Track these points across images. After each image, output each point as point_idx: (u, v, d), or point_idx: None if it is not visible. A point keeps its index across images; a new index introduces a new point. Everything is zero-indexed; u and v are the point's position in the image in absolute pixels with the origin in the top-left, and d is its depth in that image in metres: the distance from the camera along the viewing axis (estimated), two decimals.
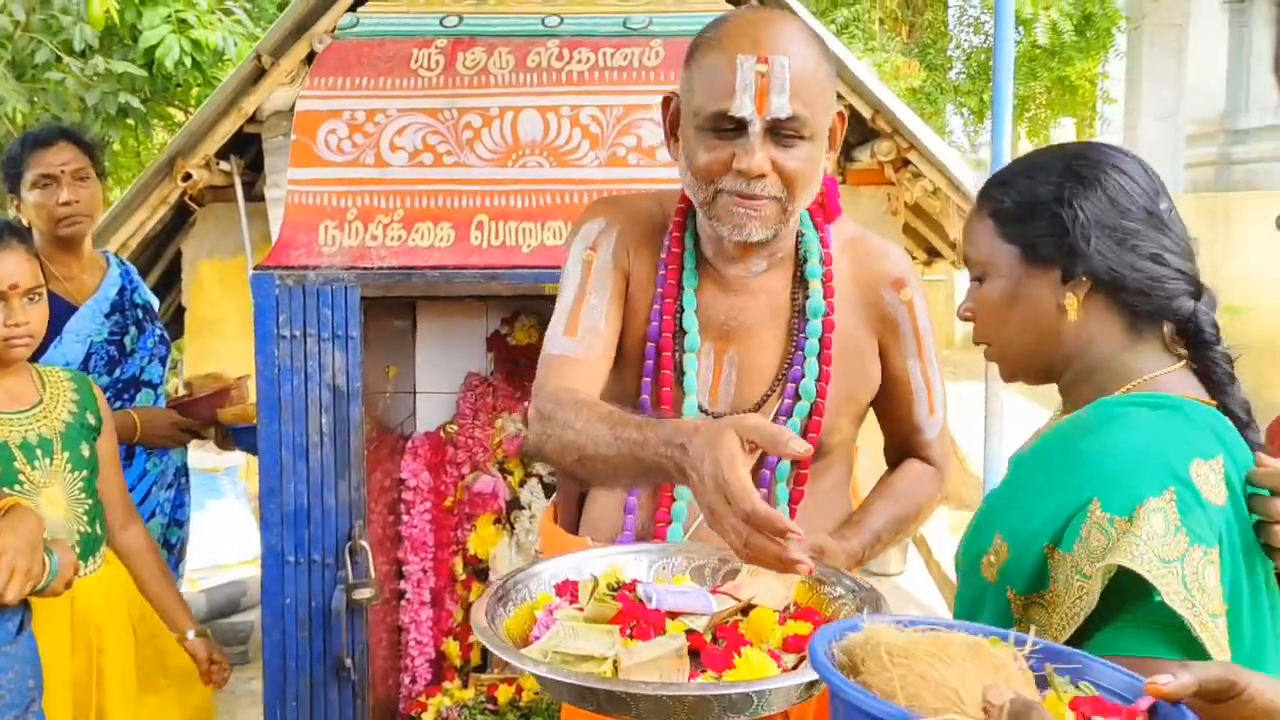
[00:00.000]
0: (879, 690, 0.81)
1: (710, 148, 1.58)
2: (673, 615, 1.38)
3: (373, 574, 2.59)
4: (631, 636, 1.33)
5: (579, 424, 1.52)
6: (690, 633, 1.35)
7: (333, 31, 2.86)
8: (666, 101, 1.68)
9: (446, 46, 2.70)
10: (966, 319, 1.45)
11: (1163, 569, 1.14)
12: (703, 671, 1.30)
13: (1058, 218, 1.32)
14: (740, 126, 1.56)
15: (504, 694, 2.87)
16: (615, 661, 1.29)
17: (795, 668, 1.27)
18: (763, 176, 1.56)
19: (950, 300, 12.18)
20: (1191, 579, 1.15)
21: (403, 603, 2.97)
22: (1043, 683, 0.90)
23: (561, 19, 2.76)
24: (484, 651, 3.03)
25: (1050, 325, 1.33)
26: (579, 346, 1.67)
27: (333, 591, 2.57)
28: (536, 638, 1.37)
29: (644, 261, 1.74)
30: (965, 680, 0.81)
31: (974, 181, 3.41)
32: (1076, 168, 1.35)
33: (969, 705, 0.78)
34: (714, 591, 1.45)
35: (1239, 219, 9.51)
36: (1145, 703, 0.84)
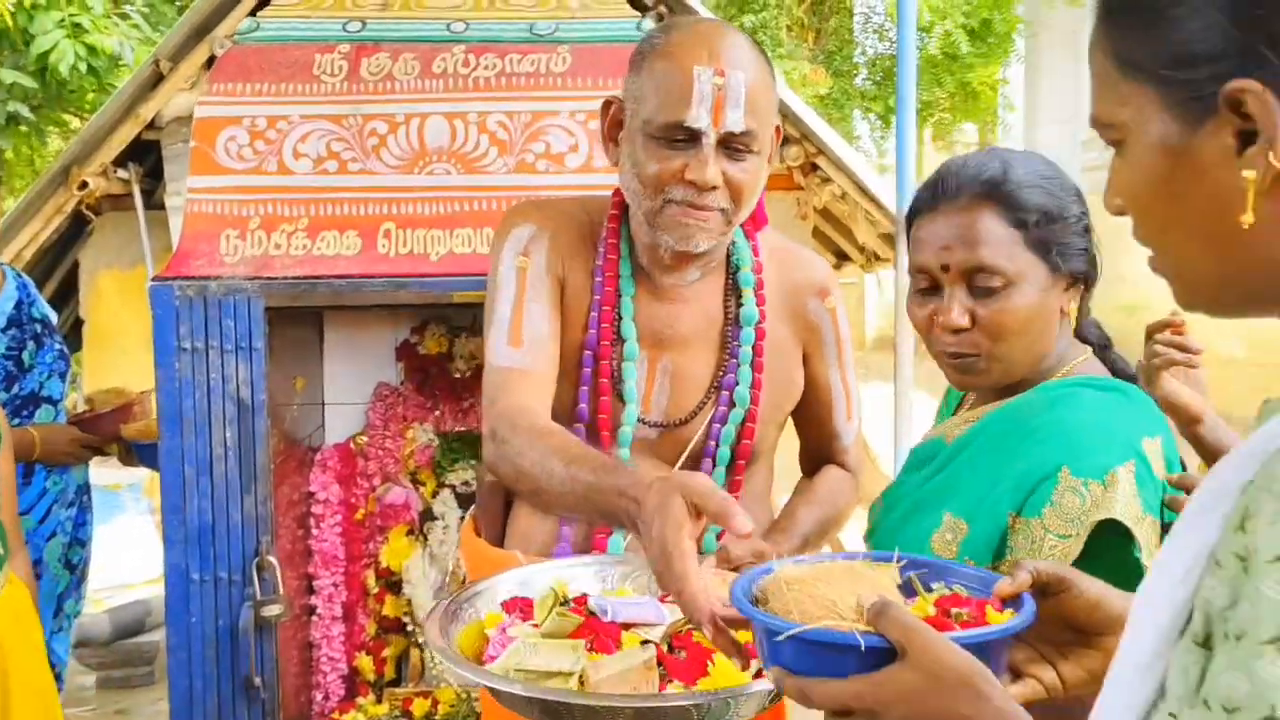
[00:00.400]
0: (779, 612, 0.99)
1: (661, 158, 1.58)
2: (626, 627, 1.37)
3: (281, 590, 2.54)
4: (593, 650, 1.32)
5: (533, 455, 1.51)
6: (646, 643, 1.34)
7: (233, 36, 2.80)
8: (606, 106, 1.67)
9: (350, 52, 2.66)
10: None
11: (1135, 527, 1.27)
12: (670, 682, 1.30)
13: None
14: (693, 137, 1.56)
15: (419, 708, 2.83)
16: (582, 676, 1.28)
17: (758, 674, 1.25)
18: (714, 189, 1.57)
19: (860, 303, 12.36)
20: (1143, 544, 1.28)
21: (313, 618, 2.91)
22: (913, 590, 1.08)
23: (467, 25, 2.74)
24: (398, 665, 2.99)
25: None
26: (526, 357, 1.64)
27: (240, 609, 2.52)
28: (492, 657, 1.34)
29: (578, 267, 1.72)
30: (843, 595, 0.98)
31: (881, 186, 3.46)
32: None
33: (845, 613, 0.96)
34: (662, 600, 1.44)
35: None
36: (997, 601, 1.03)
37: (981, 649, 0.91)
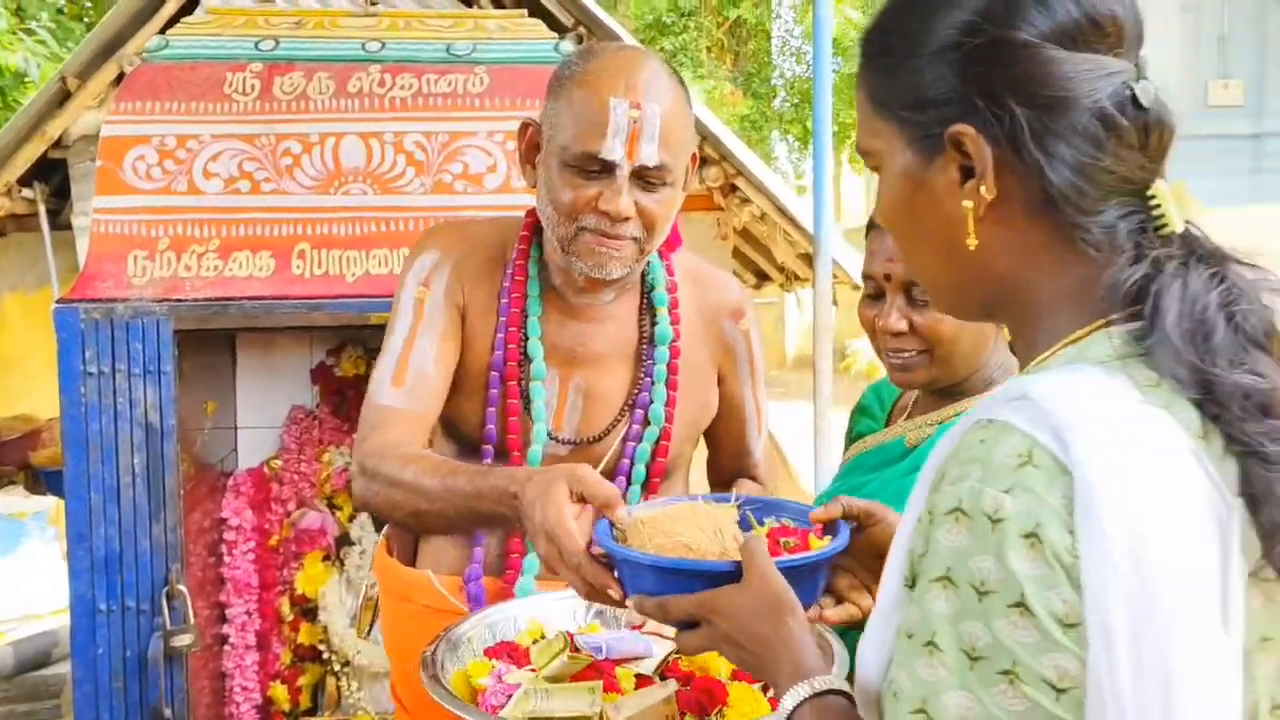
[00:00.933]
0: (637, 547, 1.17)
1: (576, 186, 1.59)
2: (619, 663, 1.37)
3: (192, 619, 2.48)
4: (609, 691, 1.32)
5: (406, 478, 1.53)
6: (640, 677, 1.35)
7: (142, 54, 2.74)
8: (524, 128, 1.68)
9: (262, 71, 2.62)
10: None
11: None
12: (684, 717, 1.30)
13: None
14: (608, 168, 1.58)
15: None
16: (602, 717, 1.27)
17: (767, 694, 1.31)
18: (627, 219, 1.59)
19: (780, 322, 12.47)
20: None
21: (226, 647, 2.85)
22: (749, 525, 1.26)
23: (383, 44, 2.72)
24: (314, 694, 2.94)
25: None
26: (406, 398, 1.65)
27: (149, 639, 2.45)
28: (494, 707, 1.31)
29: (482, 291, 1.73)
30: (690, 531, 1.17)
31: (799, 207, 3.49)
32: None
33: (690, 543, 1.15)
34: (635, 629, 1.46)
35: None
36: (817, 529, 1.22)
37: (800, 570, 1.10)
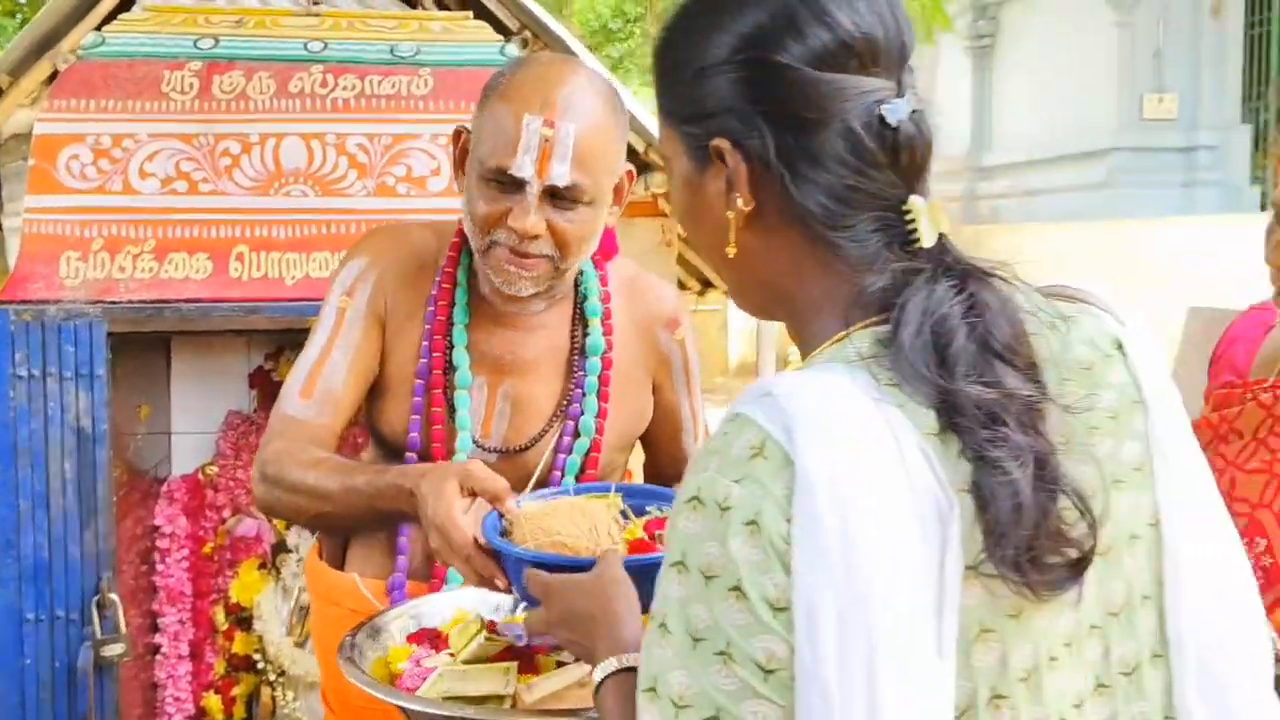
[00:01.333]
0: (518, 540, 1.28)
1: (489, 199, 1.59)
2: (541, 651, 1.38)
3: (124, 628, 2.43)
4: (524, 673, 1.34)
5: (308, 483, 1.57)
6: (562, 664, 1.36)
7: (78, 51, 2.68)
8: (457, 135, 1.68)
9: (201, 69, 2.58)
10: None
11: None
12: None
13: None
14: (518, 184, 1.56)
15: None
16: (515, 698, 1.29)
17: None
18: (536, 238, 1.57)
19: (723, 329, 12.52)
20: None
21: (158, 657, 2.79)
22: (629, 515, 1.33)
23: (325, 44, 2.68)
24: (249, 705, 2.89)
25: None
26: (311, 410, 1.67)
27: (79, 649, 2.40)
28: (410, 689, 1.34)
29: (408, 297, 1.72)
30: (566, 527, 1.27)
31: None
32: None
33: (566, 540, 1.25)
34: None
35: (985, 252, 10.13)
36: None
37: (652, 567, 1.10)
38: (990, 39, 14.21)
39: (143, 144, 2.51)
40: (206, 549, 2.87)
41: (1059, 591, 0.86)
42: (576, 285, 1.74)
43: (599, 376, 1.72)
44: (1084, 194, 12.00)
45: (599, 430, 1.72)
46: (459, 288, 1.71)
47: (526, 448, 1.71)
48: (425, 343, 1.69)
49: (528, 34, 3.02)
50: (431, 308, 1.70)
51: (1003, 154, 13.90)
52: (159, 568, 2.79)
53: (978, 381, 0.85)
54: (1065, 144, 12.48)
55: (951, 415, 0.84)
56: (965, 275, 0.90)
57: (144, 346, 2.75)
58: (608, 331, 1.74)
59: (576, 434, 1.71)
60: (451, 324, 1.69)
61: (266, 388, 2.95)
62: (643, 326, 1.78)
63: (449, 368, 1.69)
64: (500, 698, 1.30)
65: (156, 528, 2.80)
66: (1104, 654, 0.92)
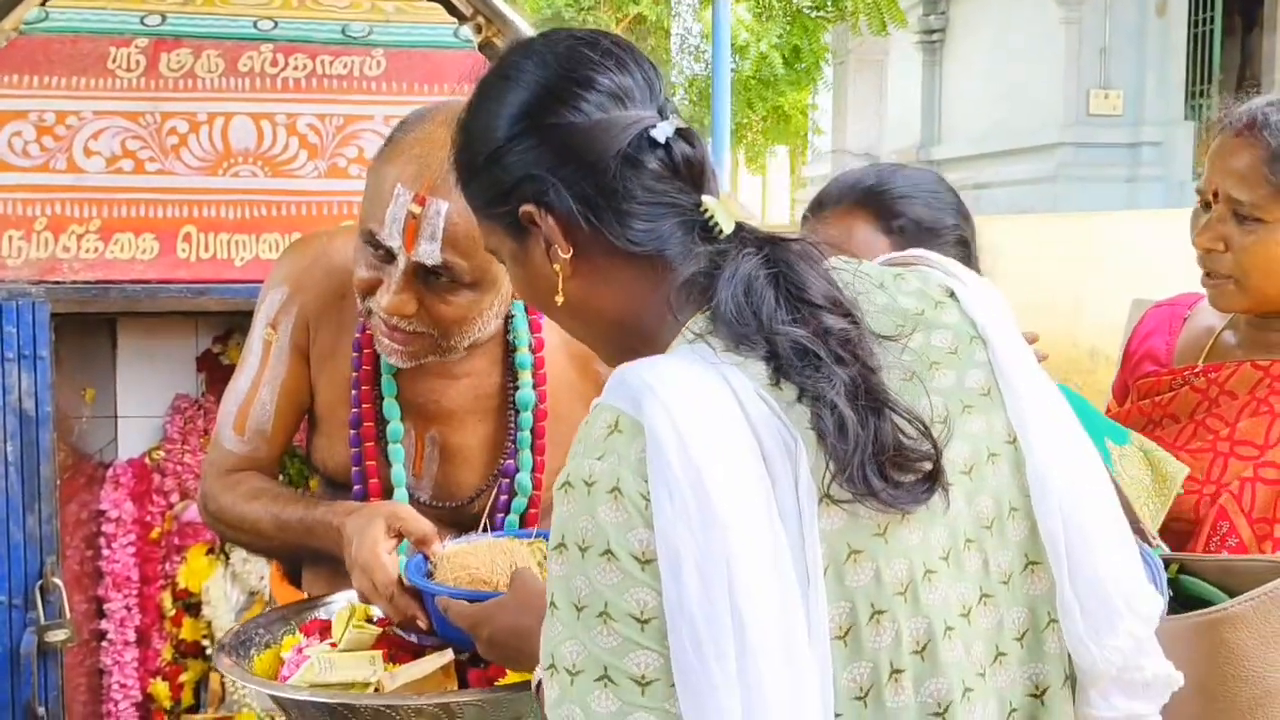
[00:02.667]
0: (440, 579, 1.34)
1: (366, 263, 1.52)
2: (428, 649, 1.39)
3: (68, 614, 2.39)
4: (394, 662, 1.36)
5: (247, 518, 1.62)
6: (444, 650, 1.37)
7: (19, 26, 2.63)
8: None
9: (148, 46, 2.54)
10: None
11: None
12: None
13: None
14: (389, 255, 1.49)
15: None
16: (378, 686, 1.30)
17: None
18: (408, 316, 1.50)
19: None
20: None
21: (104, 643, 2.75)
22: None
23: (275, 23, 2.64)
24: (196, 691, 2.85)
25: None
26: (246, 448, 1.71)
27: (21, 634, 2.35)
28: (286, 677, 1.36)
29: (331, 332, 1.70)
30: (486, 566, 1.34)
31: None
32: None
33: (486, 577, 1.33)
34: None
35: None
36: None
37: None
38: (940, 34, 14.34)
39: (87, 121, 2.46)
40: (154, 534, 2.83)
41: (919, 503, 0.93)
42: (507, 330, 1.68)
43: (531, 430, 1.67)
44: (1031, 188, 12.15)
45: (536, 485, 1.68)
46: None
47: (465, 503, 1.69)
48: (354, 391, 1.65)
49: (481, 19, 3.00)
50: (356, 353, 1.65)
51: (952, 148, 14.04)
52: (105, 553, 2.74)
53: (793, 324, 0.94)
54: (1013, 138, 12.63)
55: (778, 363, 0.93)
56: (763, 244, 1.01)
57: (89, 328, 2.71)
58: (539, 382, 1.68)
59: (514, 492, 1.67)
60: (379, 373, 1.65)
61: (215, 371, 2.91)
62: (582, 361, 1.72)
63: (379, 418, 1.66)
64: (365, 685, 1.31)
65: (102, 512, 2.75)
66: (983, 565, 0.99)
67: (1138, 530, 1.29)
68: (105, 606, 2.75)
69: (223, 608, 2.79)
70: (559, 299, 1.05)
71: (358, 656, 1.37)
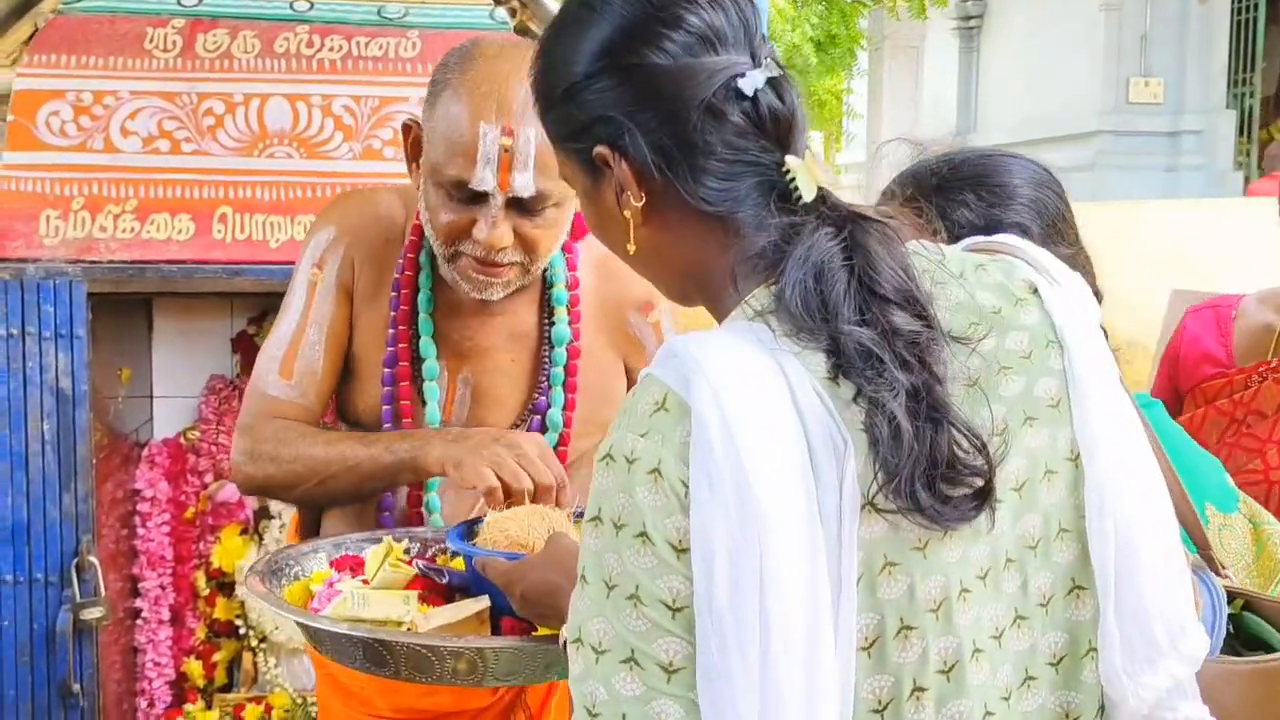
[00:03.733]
0: (480, 543, 1.37)
1: (451, 210, 1.52)
2: (460, 592, 1.40)
3: (103, 592, 2.41)
4: (425, 603, 1.35)
5: (317, 450, 1.56)
6: (480, 596, 1.37)
7: (58, 7, 2.64)
8: (407, 129, 1.60)
9: (184, 27, 2.54)
10: None
11: None
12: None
13: None
14: (480, 197, 1.50)
15: (252, 714, 2.72)
16: (412, 626, 1.29)
17: None
18: (504, 249, 1.52)
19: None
20: None
21: (138, 622, 2.77)
22: None
23: (312, 4, 2.64)
24: (229, 670, 2.87)
25: None
26: (293, 392, 1.64)
27: (57, 612, 2.37)
28: (317, 610, 1.35)
29: (373, 274, 1.68)
30: (524, 530, 1.35)
31: None
32: None
33: (523, 540, 1.34)
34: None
35: None
36: None
37: None
38: (978, 20, 14.20)
39: (124, 101, 2.47)
40: (188, 514, 2.85)
41: (964, 521, 0.89)
42: (544, 269, 1.68)
43: (565, 367, 1.67)
44: (1069, 176, 11.93)
45: (567, 423, 1.68)
46: (422, 271, 1.65)
47: None
48: (391, 330, 1.65)
49: (515, 2, 2.99)
50: (395, 294, 1.65)
51: (988, 135, 13.90)
52: (140, 532, 2.76)
53: (860, 322, 0.89)
54: (1051, 126, 12.49)
55: (839, 357, 0.88)
56: (843, 222, 0.94)
57: (126, 308, 2.72)
58: (574, 319, 1.68)
59: (544, 428, 1.67)
60: (416, 312, 1.65)
61: (250, 352, 2.91)
62: (614, 308, 1.72)
63: (415, 357, 1.65)
64: (398, 623, 1.31)
65: (137, 492, 2.77)
66: (1022, 586, 0.95)
67: (1207, 558, 1.26)
68: (140, 585, 2.77)
69: None
70: (630, 247, 1.01)
71: (391, 595, 1.36)
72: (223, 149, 2.49)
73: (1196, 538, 1.28)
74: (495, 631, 1.33)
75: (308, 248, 1.70)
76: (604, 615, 0.87)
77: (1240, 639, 1.23)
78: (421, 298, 1.64)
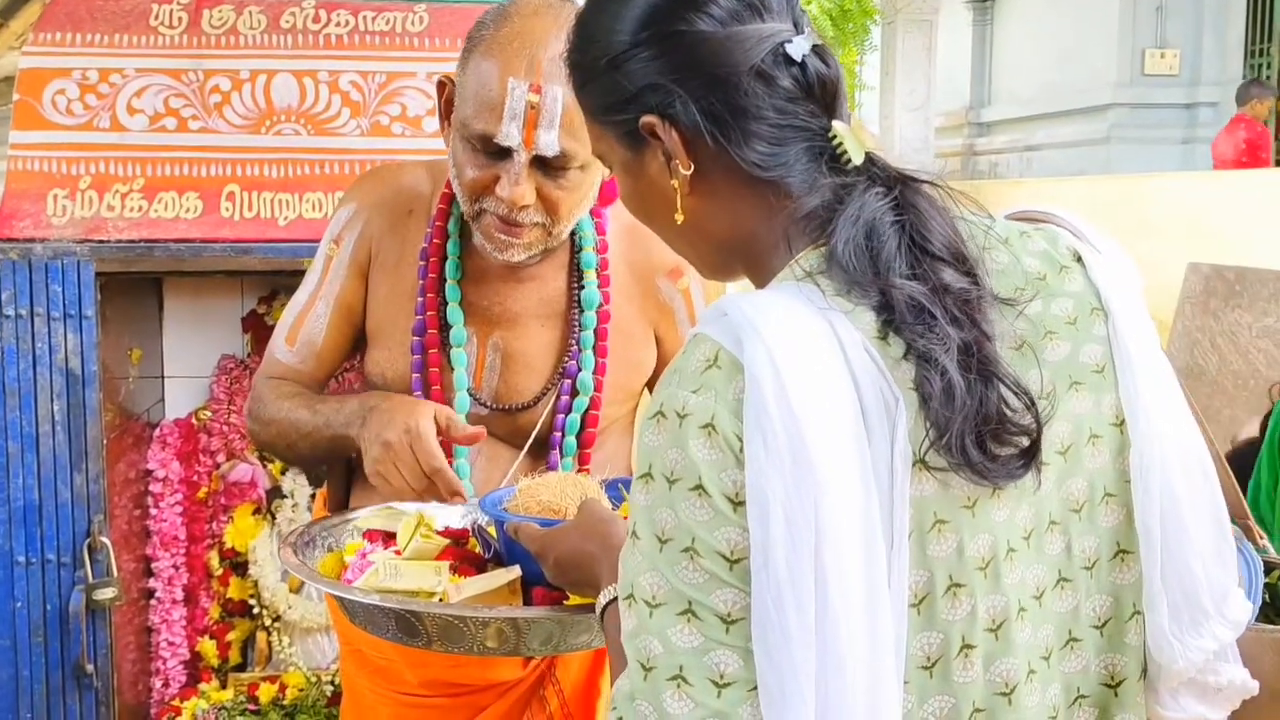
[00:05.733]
0: (512, 509, 1.37)
1: (477, 165, 1.53)
2: (493, 563, 1.41)
3: (116, 572, 2.41)
4: (457, 573, 1.36)
5: (283, 413, 1.64)
6: (511, 566, 1.37)
7: None
8: (441, 86, 1.62)
9: (190, 3, 2.52)
10: None
11: None
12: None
13: None
14: (505, 152, 1.51)
15: (266, 693, 2.72)
16: (443, 597, 1.31)
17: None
18: (526, 207, 1.52)
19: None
20: None
21: (152, 602, 2.77)
22: (622, 497, 1.40)
23: None
24: (243, 650, 2.87)
25: None
26: (295, 358, 1.72)
27: (70, 593, 2.37)
28: (350, 581, 1.37)
29: (395, 244, 1.70)
30: (556, 496, 1.36)
31: None
32: None
33: (556, 506, 1.34)
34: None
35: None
36: None
37: None
38: None
39: (130, 79, 2.45)
40: (200, 494, 2.84)
41: (1012, 479, 0.90)
42: (572, 234, 1.69)
43: (595, 330, 1.68)
44: (1084, 149, 11.93)
45: (597, 387, 1.68)
46: (450, 239, 1.67)
47: (526, 406, 1.69)
48: (420, 299, 1.66)
49: None
50: (424, 261, 1.67)
51: (1003, 109, 13.81)
52: (152, 512, 2.76)
53: (909, 277, 0.90)
54: (1065, 99, 12.40)
55: (888, 313, 0.89)
56: (893, 183, 0.96)
57: (136, 289, 2.71)
58: (604, 283, 1.69)
59: (575, 392, 1.68)
60: (444, 280, 1.66)
61: (260, 332, 2.90)
62: (643, 275, 1.73)
63: (443, 324, 1.66)
64: (430, 594, 1.32)
65: (150, 472, 2.76)
66: (1065, 549, 0.97)
67: (1245, 527, 1.26)
68: (153, 565, 2.77)
69: (269, 567, 2.80)
70: (678, 217, 1.01)
71: (423, 565, 1.37)
72: (230, 126, 2.48)
73: (1234, 508, 1.27)
74: (528, 602, 1.34)
75: (330, 224, 1.76)
76: (658, 569, 0.87)
77: (1276, 608, 1.23)
78: (449, 265, 1.66)
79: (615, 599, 1.01)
